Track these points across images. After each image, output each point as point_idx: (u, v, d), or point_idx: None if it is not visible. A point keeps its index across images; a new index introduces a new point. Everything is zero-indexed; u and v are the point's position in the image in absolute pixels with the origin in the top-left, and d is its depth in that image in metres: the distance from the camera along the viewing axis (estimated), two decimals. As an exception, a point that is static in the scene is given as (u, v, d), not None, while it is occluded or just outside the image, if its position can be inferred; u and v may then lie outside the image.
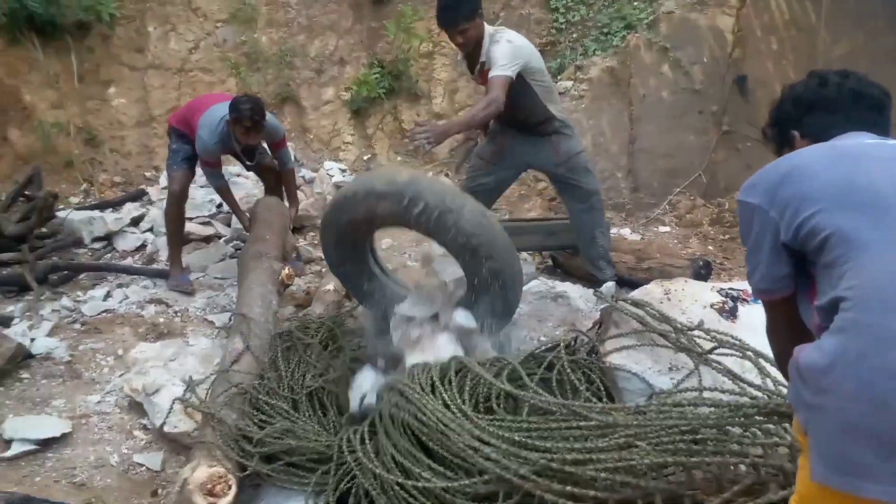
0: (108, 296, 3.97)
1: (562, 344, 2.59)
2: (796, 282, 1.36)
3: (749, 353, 2.18)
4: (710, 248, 4.51)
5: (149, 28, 5.81)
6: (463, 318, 2.79)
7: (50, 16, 5.26)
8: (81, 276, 4.22)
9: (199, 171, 4.15)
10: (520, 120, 3.50)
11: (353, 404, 2.62)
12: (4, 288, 3.97)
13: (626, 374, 2.32)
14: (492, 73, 3.18)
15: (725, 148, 5.08)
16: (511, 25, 4.92)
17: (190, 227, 4.75)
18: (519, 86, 3.28)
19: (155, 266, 4.38)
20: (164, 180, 5.08)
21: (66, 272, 4.17)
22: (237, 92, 6.02)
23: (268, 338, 3.05)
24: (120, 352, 3.35)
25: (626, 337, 2.46)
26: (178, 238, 4.12)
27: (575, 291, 3.24)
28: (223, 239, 4.77)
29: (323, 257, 4.60)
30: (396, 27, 5.87)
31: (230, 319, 3.50)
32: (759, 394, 2.02)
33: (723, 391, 2.05)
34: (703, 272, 3.75)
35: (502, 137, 3.67)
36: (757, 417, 1.87)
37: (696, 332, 2.31)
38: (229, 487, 2.29)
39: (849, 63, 4.71)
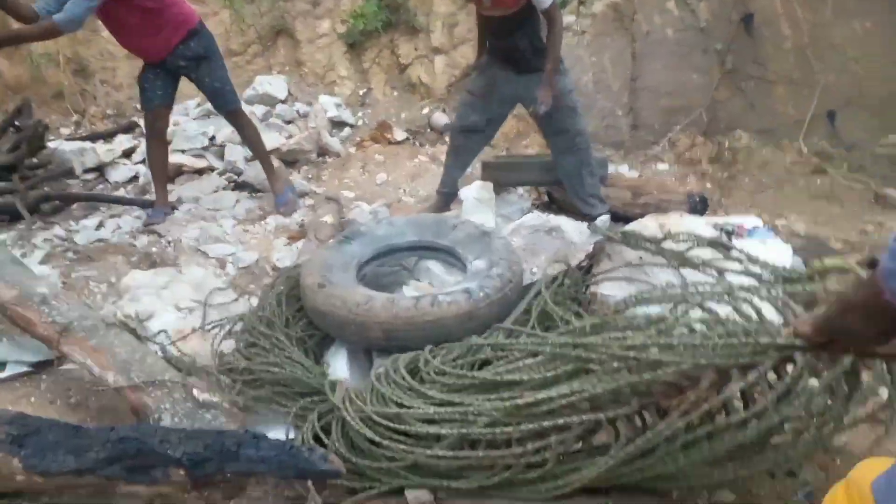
0: (100, 225, 3.95)
1: (543, 283, 2.58)
2: None
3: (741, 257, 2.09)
4: (709, 185, 4.48)
5: (140, -43, 5.62)
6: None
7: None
8: (73, 206, 4.19)
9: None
10: (515, 50, 3.42)
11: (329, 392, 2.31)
12: (-4, 216, 3.93)
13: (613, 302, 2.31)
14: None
15: (728, 87, 4.98)
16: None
17: (182, 159, 4.70)
18: (526, 11, 3.21)
19: (147, 197, 4.33)
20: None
21: (57, 202, 4.14)
22: (231, 24, 5.88)
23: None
24: (112, 279, 3.33)
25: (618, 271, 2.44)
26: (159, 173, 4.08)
27: (569, 225, 3.21)
28: (216, 171, 4.71)
29: (316, 191, 4.57)
30: (395, -43, 5.68)
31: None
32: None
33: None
34: (699, 207, 3.73)
35: (493, 70, 3.59)
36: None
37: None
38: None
39: (859, 5, 4.61)
